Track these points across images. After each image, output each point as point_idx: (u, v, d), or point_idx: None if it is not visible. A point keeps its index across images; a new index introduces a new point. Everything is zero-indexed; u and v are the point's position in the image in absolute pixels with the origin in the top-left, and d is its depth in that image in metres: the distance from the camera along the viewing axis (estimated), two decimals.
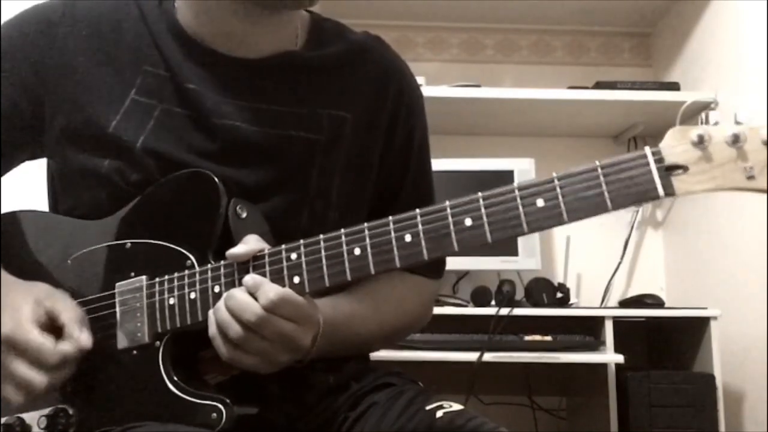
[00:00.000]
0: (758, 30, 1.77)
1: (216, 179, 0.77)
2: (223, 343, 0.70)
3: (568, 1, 2.25)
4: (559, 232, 2.27)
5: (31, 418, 0.78)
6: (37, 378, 0.72)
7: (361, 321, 0.85)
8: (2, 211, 0.87)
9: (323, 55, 0.88)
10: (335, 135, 0.85)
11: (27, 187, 0.95)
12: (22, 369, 0.72)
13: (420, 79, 0.97)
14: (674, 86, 2.10)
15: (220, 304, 0.70)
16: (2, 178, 0.89)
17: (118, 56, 0.83)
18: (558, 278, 2.17)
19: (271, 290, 0.69)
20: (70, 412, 0.77)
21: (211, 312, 0.72)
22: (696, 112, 2.04)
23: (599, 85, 2.09)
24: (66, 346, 0.73)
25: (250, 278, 0.71)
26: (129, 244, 0.79)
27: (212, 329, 0.71)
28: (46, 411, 0.77)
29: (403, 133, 0.91)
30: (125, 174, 0.80)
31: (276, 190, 0.83)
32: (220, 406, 0.70)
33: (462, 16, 2.38)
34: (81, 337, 0.73)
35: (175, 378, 0.73)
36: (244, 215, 0.77)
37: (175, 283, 0.76)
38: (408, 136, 0.92)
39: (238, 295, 0.69)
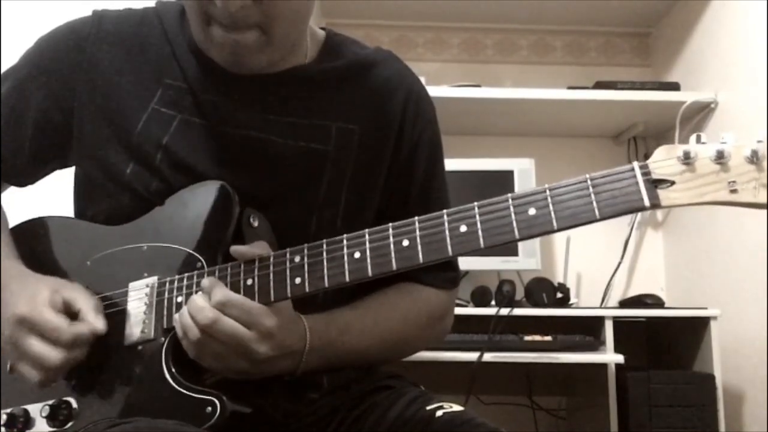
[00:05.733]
0: (758, 30, 1.77)
1: (231, 189, 0.80)
2: (187, 345, 0.74)
3: (568, 1, 2.26)
4: (559, 233, 2.27)
5: (35, 409, 0.80)
6: (52, 354, 0.75)
7: (360, 335, 0.85)
8: (30, 217, 0.93)
9: (332, 69, 0.90)
10: (344, 147, 0.87)
11: (56, 194, 1.00)
12: (38, 346, 0.75)
13: (420, 79, 0.98)
14: (674, 86, 2.10)
15: (184, 308, 0.74)
16: (34, 185, 0.96)
17: (141, 68, 0.87)
18: (558, 278, 2.17)
19: (219, 293, 0.72)
20: (74, 404, 0.79)
21: (176, 315, 0.75)
22: (696, 112, 2.05)
23: (599, 85, 2.09)
24: (80, 326, 0.76)
25: (207, 280, 0.74)
26: (145, 247, 0.83)
27: (179, 331, 0.74)
28: (51, 401, 0.79)
29: (409, 144, 0.92)
30: (146, 181, 0.84)
31: (285, 199, 0.85)
32: (215, 400, 0.72)
33: (462, 16, 2.38)
34: (96, 321, 0.76)
35: (174, 372, 0.76)
36: (256, 224, 0.81)
37: (184, 282, 0.78)
38: (414, 147, 0.92)
39: (197, 299, 0.73)
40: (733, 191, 0.60)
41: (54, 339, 0.74)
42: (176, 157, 0.83)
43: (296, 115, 0.86)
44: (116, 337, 0.80)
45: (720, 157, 0.61)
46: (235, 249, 0.75)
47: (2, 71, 0.92)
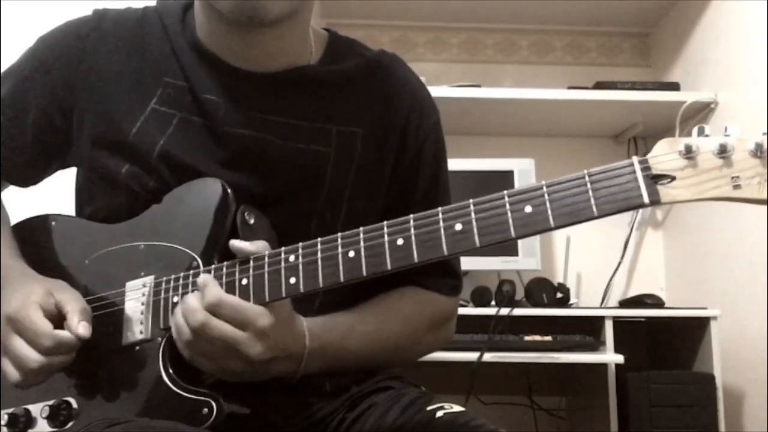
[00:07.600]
0: (758, 30, 1.77)
1: (227, 187, 0.80)
2: (181, 346, 0.73)
3: (568, 1, 2.25)
4: (559, 232, 2.27)
5: (36, 409, 0.80)
6: (32, 356, 0.74)
7: (362, 339, 0.84)
8: (34, 215, 0.94)
9: (336, 71, 0.89)
10: (346, 149, 0.86)
11: (58, 193, 1.01)
12: (19, 346, 0.75)
13: (424, 84, 0.97)
14: (674, 86, 2.10)
15: (177, 309, 0.73)
16: (38, 185, 0.96)
17: (141, 68, 0.87)
18: (558, 278, 2.17)
19: (210, 294, 0.71)
20: (74, 405, 0.79)
21: (171, 316, 0.75)
22: (696, 112, 2.05)
23: (599, 85, 2.09)
24: (63, 333, 0.75)
25: (202, 278, 0.74)
26: (142, 246, 0.83)
27: (174, 332, 0.74)
28: (51, 402, 0.79)
29: (413, 148, 0.91)
30: (142, 180, 0.83)
31: (286, 200, 0.84)
32: (212, 402, 0.72)
33: (462, 16, 2.38)
34: (78, 327, 0.75)
35: (171, 372, 0.76)
36: (251, 222, 0.80)
37: (180, 282, 0.78)
38: (418, 152, 0.91)
39: (189, 300, 0.72)
40: (737, 186, 0.57)
41: (35, 342, 0.74)
42: (174, 156, 0.83)
43: (297, 117, 0.86)
44: (115, 337, 0.80)
45: (723, 151, 0.58)
46: (234, 243, 0.75)
47: (3, 71, 0.91)
